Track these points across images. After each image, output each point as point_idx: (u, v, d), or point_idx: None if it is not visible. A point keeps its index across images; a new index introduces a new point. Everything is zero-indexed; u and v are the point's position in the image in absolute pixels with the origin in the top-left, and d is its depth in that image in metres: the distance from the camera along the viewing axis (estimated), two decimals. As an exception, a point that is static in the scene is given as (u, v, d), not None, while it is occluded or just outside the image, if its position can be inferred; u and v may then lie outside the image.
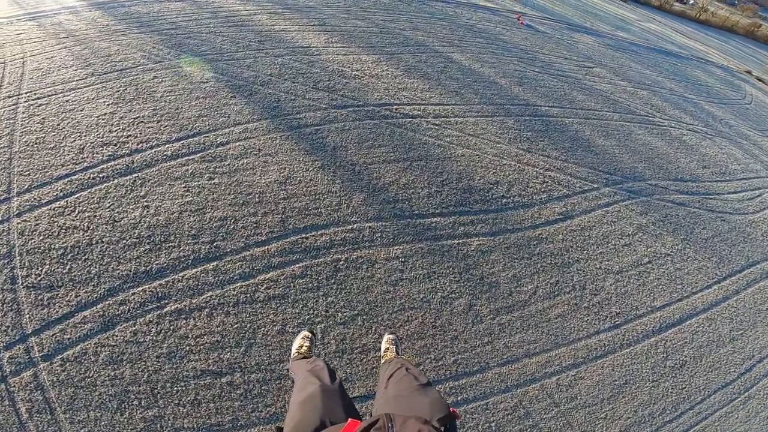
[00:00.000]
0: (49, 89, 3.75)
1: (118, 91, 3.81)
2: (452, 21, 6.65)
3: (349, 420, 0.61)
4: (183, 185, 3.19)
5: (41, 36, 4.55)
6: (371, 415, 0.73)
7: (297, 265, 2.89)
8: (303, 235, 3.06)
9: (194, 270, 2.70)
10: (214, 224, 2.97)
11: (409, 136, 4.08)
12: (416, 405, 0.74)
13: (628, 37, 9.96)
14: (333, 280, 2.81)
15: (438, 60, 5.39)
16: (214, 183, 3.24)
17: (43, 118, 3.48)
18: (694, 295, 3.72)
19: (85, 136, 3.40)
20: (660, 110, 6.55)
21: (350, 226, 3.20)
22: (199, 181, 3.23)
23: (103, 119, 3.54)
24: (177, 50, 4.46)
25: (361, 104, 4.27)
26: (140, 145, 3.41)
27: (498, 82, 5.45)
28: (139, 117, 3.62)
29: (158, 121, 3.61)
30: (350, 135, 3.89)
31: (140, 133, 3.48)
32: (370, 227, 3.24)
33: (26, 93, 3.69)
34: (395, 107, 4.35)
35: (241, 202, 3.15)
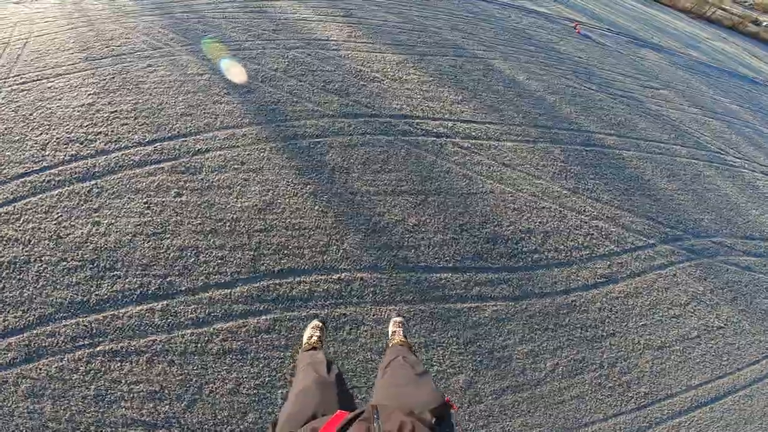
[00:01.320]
0: (37, 74, 3.10)
1: (105, 79, 3.09)
2: (498, 23, 5.44)
3: (338, 411, 0.54)
4: (144, 200, 2.43)
5: (55, 16, 3.92)
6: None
7: (264, 317, 2.11)
8: (277, 281, 2.22)
9: (138, 307, 2.00)
10: (171, 254, 2.22)
11: (429, 160, 3.07)
12: (411, 395, 0.67)
13: (699, 57, 8.23)
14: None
15: (476, 66, 4.27)
16: (180, 201, 2.45)
17: (18, 106, 2.81)
18: (738, 372, 2.62)
19: (53, 129, 2.71)
20: (734, 146, 5.10)
21: (337, 275, 2.31)
22: (163, 197, 2.45)
23: (78, 111, 2.83)
24: (183, 36, 3.68)
25: (375, 114, 3.30)
26: (108, 146, 2.67)
27: (546, 98, 4.30)
28: (116, 111, 2.88)
29: (136, 118, 2.85)
30: (356, 153, 2.96)
31: (112, 131, 2.73)
32: (362, 279, 2.34)
33: (14, 76, 3.06)
34: (417, 121, 3.34)
35: (209, 229, 2.35)
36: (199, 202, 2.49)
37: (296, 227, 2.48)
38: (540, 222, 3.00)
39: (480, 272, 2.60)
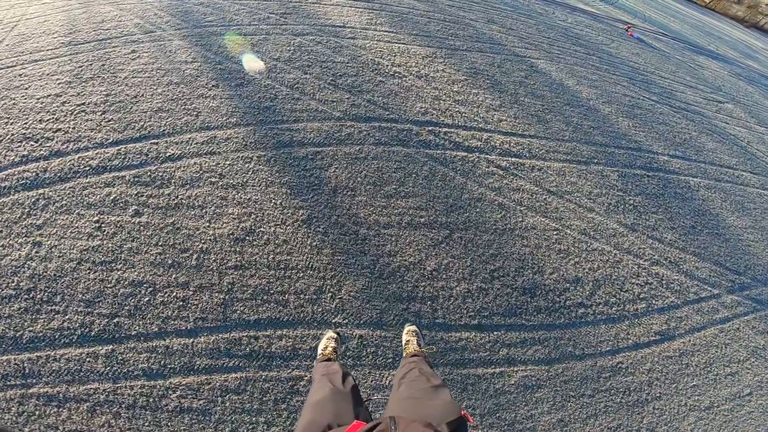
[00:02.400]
0: (13, 59, 2.51)
1: (81, 66, 2.45)
2: (541, 20, 4.48)
3: (354, 422, 0.49)
4: (95, 219, 1.77)
5: (53, -5, 3.45)
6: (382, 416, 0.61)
7: (234, 375, 1.52)
8: (252, 333, 1.57)
9: (79, 350, 1.49)
10: (122, 290, 1.61)
11: (457, 183, 2.28)
12: (427, 407, 0.60)
13: (759, 69, 7.03)
14: (284, 406, 1.46)
15: (517, 66, 3.39)
16: (138, 223, 1.78)
17: (-21, 95, 2.35)
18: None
19: (10, 124, 2.09)
20: (810, 176, 4.16)
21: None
22: (119, 215, 1.79)
23: (41, 103, 2.19)
24: (180, 19, 2.95)
25: (393, 118, 2.50)
26: (65, 146, 2.01)
27: (600, 109, 3.40)
28: (84, 104, 2.22)
29: (104, 113, 2.17)
30: (365, 170, 2.19)
31: (73, 128, 2.08)
32: (361, 336, 1.63)
33: (-10, 62, 2.59)
34: (444, 130, 2.53)
35: (170, 261, 1.68)
36: (161, 225, 1.81)
37: (281, 266, 1.78)
38: (590, 268, 2.21)
39: (511, 330, 1.87)
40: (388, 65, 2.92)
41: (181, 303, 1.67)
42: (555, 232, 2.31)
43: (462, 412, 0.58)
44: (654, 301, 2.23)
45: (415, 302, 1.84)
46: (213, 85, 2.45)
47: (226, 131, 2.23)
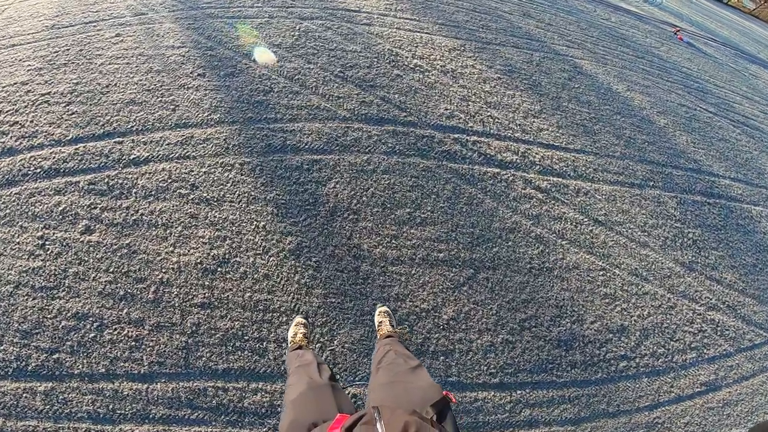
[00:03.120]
0: None
1: (57, 52, 2.02)
2: (581, 17, 3.79)
3: (338, 415, 0.46)
4: (39, 234, 1.36)
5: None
6: (365, 404, 0.60)
7: (197, 429, 1.16)
8: (220, 383, 1.20)
9: (15, 384, 1.17)
10: (63, 322, 1.23)
11: (487, 208, 1.74)
12: (408, 391, 0.56)
13: None
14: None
15: (559, 66, 2.74)
16: (88, 242, 1.36)
17: (-57, 84, 1.93)
18: None
19: None
20: None
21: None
22: (67, 231, 1.37)
23: (5, 92, 1.78)
24: (175, 0, 2.60)
25: (411, 122, 1.96)
26: (18, 143, 1.58)
27: (654, 120, 2.70)
28: (49, 93, 1.77)
29: (68, 104, 1.73)
30: (373, 186, 1.68)
31: (31, 121, 1.65)
32: (355, 396, 1.22)
33: (-32, 47, 2.20)
34: (474, 140, 1.98)
35: (122, 293, 1.27)
36: (114, 247, 1.36)
37: (260, 307, 1.30)
38: (639, 315, 1.67)
39: (537, 389, 1.42)
40: (408, 57, 2.35)
41: (133, 343, 1.27)
42: (601, 273, 1.78)
43: (444, 392, 0.54)
44: (705, 350, 1.73)
45: (424, 357, 1.40)
46: (199, 74, 1.95)
47: (206, 130, 1.73)
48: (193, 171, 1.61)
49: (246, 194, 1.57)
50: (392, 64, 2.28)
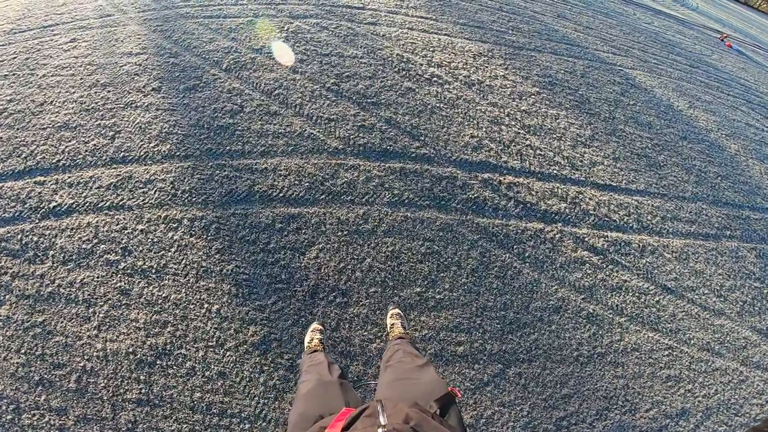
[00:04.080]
0: None
1: (2, 61, 1.51)
2: (621, 20, 3.03)
3: (343, 409, 0.42)
4: None
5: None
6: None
7: None
8: None
9: None
10: None
11: (525, 281, 1.14)
12: (415, 387, 0.53)
13: None
14: None
15: (608, 77, 2.05)
16: None
17: None
18: None
19: None
20: None
21: None
22: None
23: None
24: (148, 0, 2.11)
25: (426, 156, 1.34)
26: None
27: (724, 146, 1.97)
28: None
29: None
30: (371, 254, 1.08)
31: None
32: None
33: None
34: (508, 181, 1.34)
35: (37, 378, 0.85)
36: (27, 324, 0.90)
37: (214, 410, 0.82)
38: (704, 395, 1.16)
39: None
40: (422, 64, 1.70)
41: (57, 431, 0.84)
42: (666, 353, 1.23)
43: (449, 388, 0.47)
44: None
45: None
46: (153, 89, 1.37)
47: (150, 168, 1.16)
48: (126, 228, 1.06)
49: (195, 265, 1.02)
50: (402, 74, 1.64)
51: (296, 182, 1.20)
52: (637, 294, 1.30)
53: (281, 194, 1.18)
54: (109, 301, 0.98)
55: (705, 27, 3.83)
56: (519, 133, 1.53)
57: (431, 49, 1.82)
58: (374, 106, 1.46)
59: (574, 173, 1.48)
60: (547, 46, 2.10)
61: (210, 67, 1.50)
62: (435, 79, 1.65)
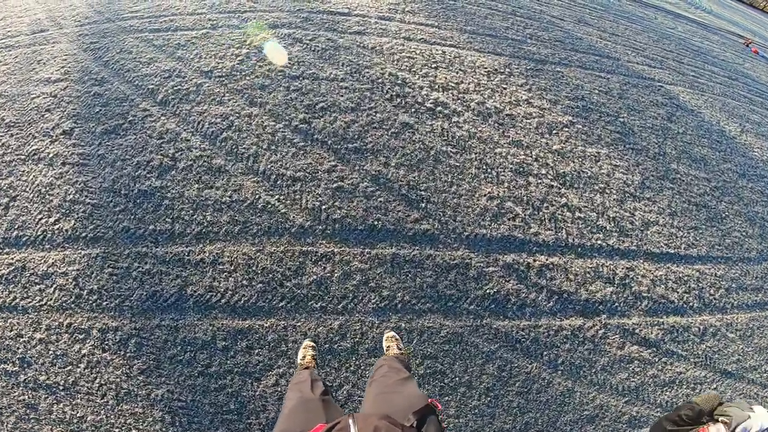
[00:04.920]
0: None
1: None
2: (646, 25, 2.44)
3: (318, 425, 0.39)
4: None
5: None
6: None
7: None
8: None
9: None
10: None
11: (557, 391, 0.76)
12: (394, 401, 0.51)
13: None
14: None
15: (648, 97, 1.52)
16: None
17: None
18: None
19: None
20: None
21: None
22: None
23: None
24: (96, 10, 1.38)
25: (428, 233, 0.90)
26: None
27: None
28: None
29: None
30: (349, 380, 0.72)
31: None
32: None
33: None
34: (540, 264, 0.91)
35: None
36: None
37: None
38: None
39: None
40: (422, 87, 1.19)
41: None
42: None
43: (429, 400, 0.44)
44: None
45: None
46: (64, 131, 0.94)
47: (48, 255, 0.76)
48: (22, 336, 0.69)
49: (114, 385, 0.65)
50: (396, 103, 1.13)
51: (245, 282, 0.77)
52: (692, 385, 0.94)
53: (224, 299, 0.75)
54: (15, 413, 0.63)
55: (726, 31, 3.27)
56: (552, 186, 1.05)
57: (434, 65, 1.31)
58: (357, 154, 0.98)
59: (624, 241, 1.01)
60: (574, 59, 1.59)
61: (141, 100, 1.03)
62: (440, 108, 1.15)
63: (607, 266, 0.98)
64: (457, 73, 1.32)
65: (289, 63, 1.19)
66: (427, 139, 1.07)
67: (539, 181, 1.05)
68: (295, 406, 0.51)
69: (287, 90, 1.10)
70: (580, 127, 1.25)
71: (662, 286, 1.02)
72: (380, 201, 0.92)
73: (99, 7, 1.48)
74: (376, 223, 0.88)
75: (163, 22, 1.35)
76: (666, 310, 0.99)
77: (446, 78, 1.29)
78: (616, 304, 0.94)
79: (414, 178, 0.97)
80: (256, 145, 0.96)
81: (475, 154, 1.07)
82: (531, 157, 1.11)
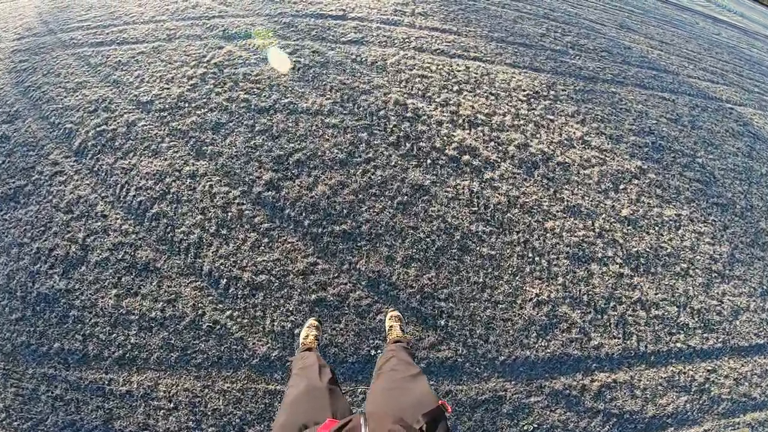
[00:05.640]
0: None
1: None
2: (692, 31, 1.94)
3: (327, 419, 0.34)
4: None
5: None
6: (363, 409, 0.47)
7: None
8: None
9: None
10: None
11: None
12: (405, 399, 0.43)
13: None
14: None
15: (722, 125, 1.10)
16: None
17: None
18: None
19: None
20: None
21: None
22: None
23: None
24: (42, 19, 1.03)
25: (447, 362, 0.58)
26: None
27: None
28: None
29: None
30: None
31: None
32: None
33: None
34: (597, 384, 0.59)
35: None
36: None
37: None
38: None
39: None
40: (442, 122, 0.81)
41: None
42: None
43: (440, 402, 0.37)
44: None
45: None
46: None
47: None
48: None
49: None
50: (405, 150, 0.76)
51: (192, 424, 0.50)
52: None
53: None
54: None
55: (764, 36, 2.74)
56: (621, 276, 0.69)
57: (455, 86, 0.90)
58: (347, 242, 0.64)
59: (708, 339, 0.68)
60: (629, 74, 1.15)
61: (54, 147, 0.71)
62: (467, 158, 0.77)
63: (684, 373, 0.65)
64: (487, 98, 0.91)
65: (257, 87, 0.80)
66: (450, 213, 0.69)
67: (605, 269, 0.69)
68: (300, 394, 0.44)
69: (251, 131, 0.74)
70: (653, 176, 0.86)
71: (746, 384, 0.67)
72: (380, 320, 0.59)
73: (48, 15, 1.11)
74: (373, 351, 0.57)
75: (110, 33, 0.99)
76: (745, 407, 0.69)
77: (473, 107, 0.88)
78: (688, 413, 0.61)
79: (431, 280, 0.62)
80: (201, 228, 0.62)
81: (518, 233, 0.69)
82: (594, 231, 0.73)
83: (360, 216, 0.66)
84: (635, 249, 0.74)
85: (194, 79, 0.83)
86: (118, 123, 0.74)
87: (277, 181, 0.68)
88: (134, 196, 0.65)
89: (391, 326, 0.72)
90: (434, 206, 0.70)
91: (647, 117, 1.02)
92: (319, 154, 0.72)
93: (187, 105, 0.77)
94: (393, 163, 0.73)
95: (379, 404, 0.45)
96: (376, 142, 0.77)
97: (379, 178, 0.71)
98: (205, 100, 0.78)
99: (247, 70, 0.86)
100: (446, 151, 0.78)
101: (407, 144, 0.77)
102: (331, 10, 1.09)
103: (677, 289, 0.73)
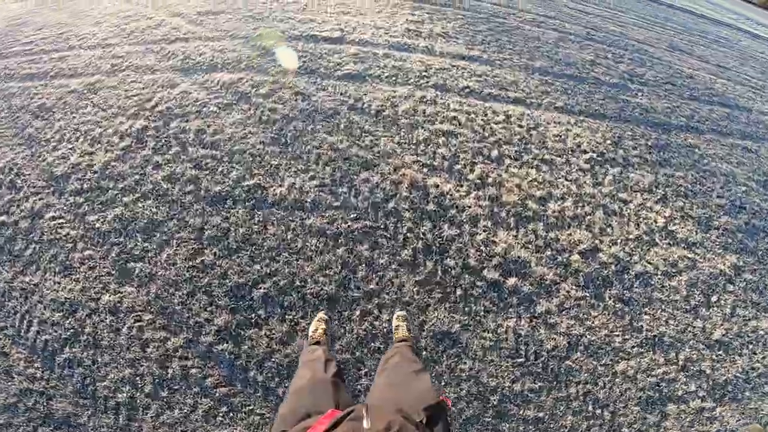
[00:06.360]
0: None
1: None
2: (741, 52, 1.52)
3: (330, 410, 0.31)
4: None
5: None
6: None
7: None
8: None
9: None
10: None
11: None
12: (406, 393, 0.40)
13: None
14: None
15: None
16: None
17: None
18: None
19: None
20: None
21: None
22: None
23: None
24: None
25: None
26: None
27: None
28: None
29: None
30: None
31: None
32: None
33: None
34: None
35: None
36: None
37: None
38: None
39: None
40: (477, 218, 0.53)
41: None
42: None
43: (441, 397, 0.36)
44: None
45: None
46: None
47: None
48: None
49: None
50: (425, 275, 0.51)
51: None
52: None
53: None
54: None
55: None
56: (702, 410, 0.46)
57: (493, 150, 0.60)
58: None
59: None
60: (701, 116, 0.83)
61: None
62: (513, 281, 0.50)
63: None
64: (538, 170, 0.61)
65: (212, 156, 0.52)
66: (487, 371, 0.45)
67: (683, 407, 0.45)
68: (305, 385, 0.42)
69: (198, 239, 0.47)
70: (750, 276, 0.59)
71: None
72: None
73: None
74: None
75: (48, 61, 0.70)
76: None
77: (521, 187, 0.57)
78: None
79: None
80: (131, 385, 0.39)
81: (578, 384, 0.45)
82: (676, 365, 0.48)
83: (358, 383, 0.45)
84: (724, 378, 0.50)
85: (128, 139, 0.57)
86: (21, 211, 0.49)
87: (235, 327, 0.44)
88: (37, 332, 0.42)
89: (397, 326, 0.70)
90: (464, 362, 0.47)
91: (735, 182, 0.73)
92: (297, 284, 0.46)
93: (112, 185, 0.50)
94: (407, 298, 0.49)
95: (381, 397, 0.43)
96: (381, 261, 0.51)
97: (386, 325, 0.49)
98: (137, 176, 0.51)
99: (201, 123, 0.57)
100: (484, 272, 0.50)
101: (428, 263, 0.50)
102: (325, 31, 0.76)
103: (762, 410, 0.50)
